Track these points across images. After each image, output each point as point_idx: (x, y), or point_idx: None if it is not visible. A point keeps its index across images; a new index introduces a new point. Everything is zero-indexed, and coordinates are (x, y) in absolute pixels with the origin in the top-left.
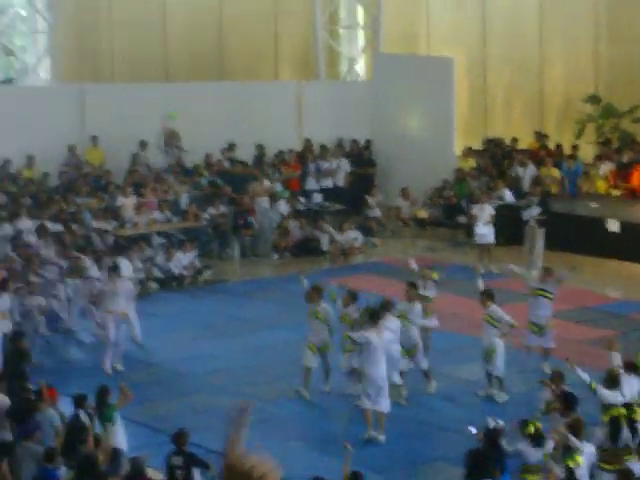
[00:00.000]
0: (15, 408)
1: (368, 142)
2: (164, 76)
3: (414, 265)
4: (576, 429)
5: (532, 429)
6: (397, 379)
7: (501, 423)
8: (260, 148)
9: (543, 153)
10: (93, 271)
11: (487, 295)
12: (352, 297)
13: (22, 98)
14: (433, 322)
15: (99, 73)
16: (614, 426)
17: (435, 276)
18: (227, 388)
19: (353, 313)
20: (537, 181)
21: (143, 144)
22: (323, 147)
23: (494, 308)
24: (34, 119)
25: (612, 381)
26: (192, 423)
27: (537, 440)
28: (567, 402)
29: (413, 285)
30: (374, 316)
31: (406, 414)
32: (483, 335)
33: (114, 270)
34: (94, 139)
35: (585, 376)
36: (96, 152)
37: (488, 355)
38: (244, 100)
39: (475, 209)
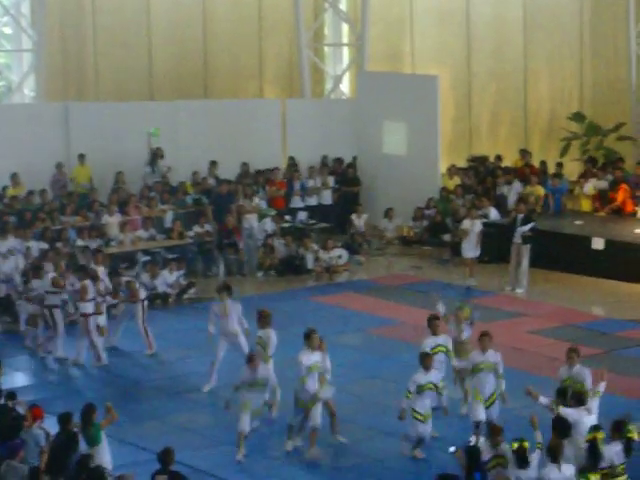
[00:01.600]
0: (0, 426)
1: (354, 159)
2: (149, 94)
3: (442, 309)
4: (555, 452)
5: (515, 446)
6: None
7: (482, 440)
8: (244, 166)
9: (527, 171)
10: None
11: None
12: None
13: (6, 116)
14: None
15: (84, 91)
16: (592, 449)
17: (467, 313)
18: (212, 406)
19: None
20: (523, 199)
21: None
22: (311, 167)
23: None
24: (19, 137)
25: (576, 399)
26: (178, 441)
27: (522, 460)
28: (558, 428)
29: (435, 318)
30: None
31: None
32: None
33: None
34: (81, 157)
35: (545, 400)
36: (83, 170)
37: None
38: (229, 118)
39: (466, 224)
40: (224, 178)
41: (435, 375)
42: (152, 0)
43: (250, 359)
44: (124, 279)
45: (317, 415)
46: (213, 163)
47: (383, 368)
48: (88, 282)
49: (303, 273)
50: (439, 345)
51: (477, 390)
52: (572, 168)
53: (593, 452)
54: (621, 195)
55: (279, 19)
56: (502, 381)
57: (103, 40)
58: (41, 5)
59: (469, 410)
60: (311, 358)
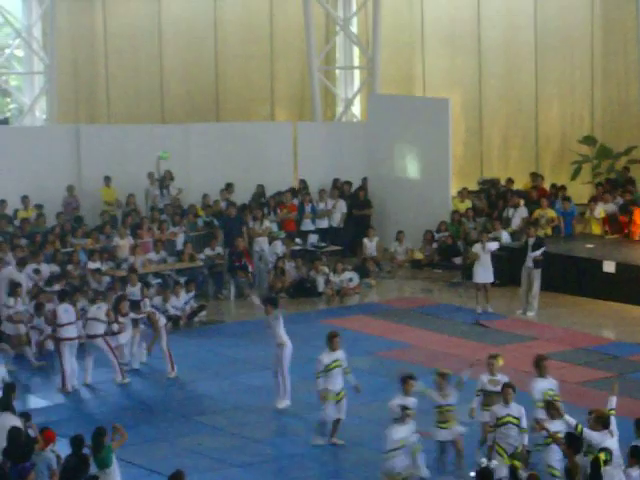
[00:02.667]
0: (12, 448)
1: (364, 180)
2: (160, 117)
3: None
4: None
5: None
6: None
7: (494, 462)
8: (260, 188)
9: (536, 194)
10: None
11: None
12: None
13: (18, 139)
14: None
15: (95, 114)
16: (593, 469)
17: (500, 362)
18: (223, 429)
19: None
20: (533, 222)
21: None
22: (322, 190)
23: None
24: (30, 159)
25: (602, 423)
26: (188, 464)
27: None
28: (571, 444)
29: (443, 375)
30: None
31: None
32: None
33: None
34: (107, 179)
35: (572, 420)
36: (109, 191)
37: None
38: (240, 141)
39: (477, 248)
40: (233, 201)
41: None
42: (164, 23)
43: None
44: (145, 310)
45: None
46: (229, 185)
47: (393, 391)
48: (64, 307)
49: (314, 296)
50: None
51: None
52: (584, 191)
53: (595, 472)
54: (637, 216)
55: (290, 42)
56: (525, 435)
57: (115, 63)
58: (53, 28)
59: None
60: (332, 357)
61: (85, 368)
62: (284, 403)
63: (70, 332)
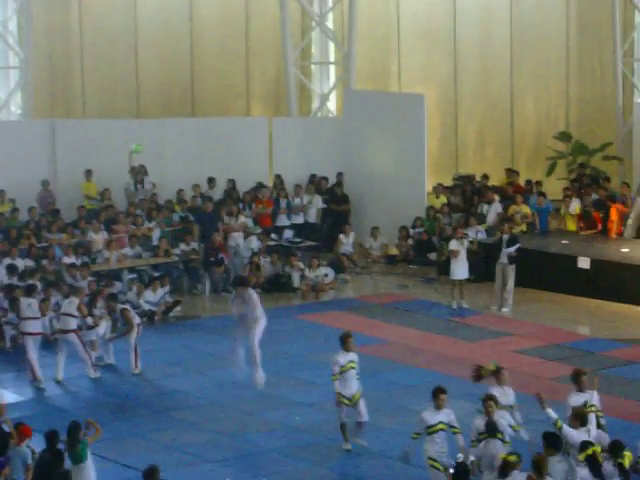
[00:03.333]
0: None
1: (339, 175)
2: (136, 112)
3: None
4: (540, 467)
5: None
6: None
7: (471, 458)
8: (231, 183)
9: (511, 190)
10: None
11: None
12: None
13: None
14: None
15: (71, 109)
16: (593, 464)
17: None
18: (198, 424)
19: None
20: (508, 218)
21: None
22: (298, 185)
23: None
24: (5, 154)
25: (580, 420)
26: (163, 459)
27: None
28: (549, 442)
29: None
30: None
31: None
32: None
33: None
34: (88, 173)
35: (553, 415)
36: (90, 185)
37: None
38: (216, 136)
39: (453, 244)
40: (209, 196)
41: None
42: (139, 18)
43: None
44: (119, 306)
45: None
46: (210, 180)
47: (368, 386)
48: (27, 301)
49: (289, 291)
50: None
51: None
52: (558, 187)
53: (595, 466)
54: (613, 213)
55: (266, 38)
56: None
57: (90, 58)
58: (28, 22)
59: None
60: (346, 358)
61: (57, 363)
62: (261, 378)
63: (32, 327)
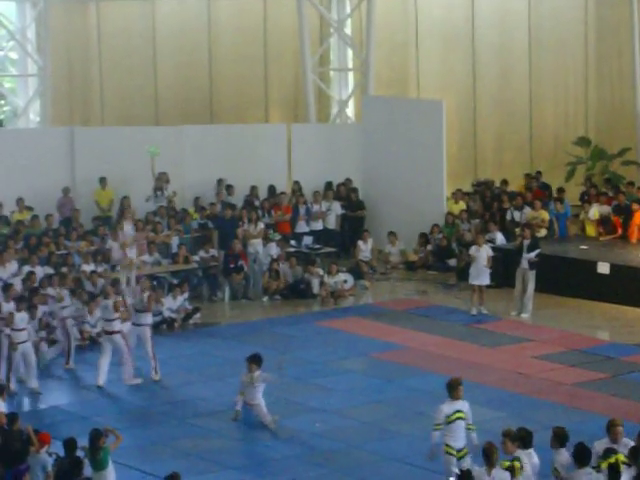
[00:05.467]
0: (6, 451)
1: (348, 181)
2: (154, 119)
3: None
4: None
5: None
6: None
7: (476, 468)
8: (255, 190)
9: (530, 195)
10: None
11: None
12: None
13: (12, 141)
14: None
15: (89, 116)
16: (613, 473)
17: None
18: (217, 431)
19: None
20: (528, 224)
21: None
22: (316, 192)
23: None
24: (24, 162)
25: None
26: (183, 466)
27: None
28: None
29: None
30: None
31: None
32: None
33: None
34: (102, 180)
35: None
36: (105, 193)
37: None
38: (234, 143)
39: (472, 250)
40: (229, 202)
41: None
42: (158, 25)
43: None
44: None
45: None
46: (229, 187)
47: (387, 393)
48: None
49: (308, 298)
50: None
51: None
52: (577, 193)
53: (614, 476)
54: (637, 217)
55: (284, 44)
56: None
57: (108, 65)
58: (46, 30)
59: None
60: (453, 407)
61: (99, 366)
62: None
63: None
